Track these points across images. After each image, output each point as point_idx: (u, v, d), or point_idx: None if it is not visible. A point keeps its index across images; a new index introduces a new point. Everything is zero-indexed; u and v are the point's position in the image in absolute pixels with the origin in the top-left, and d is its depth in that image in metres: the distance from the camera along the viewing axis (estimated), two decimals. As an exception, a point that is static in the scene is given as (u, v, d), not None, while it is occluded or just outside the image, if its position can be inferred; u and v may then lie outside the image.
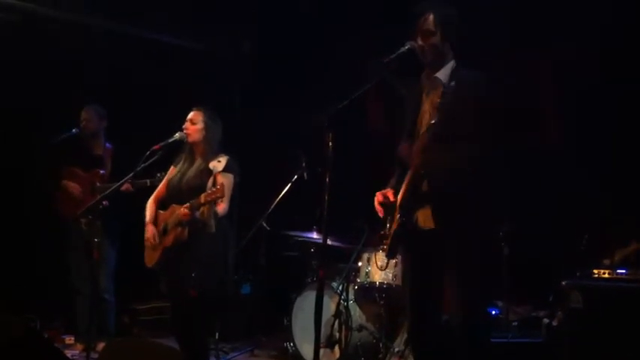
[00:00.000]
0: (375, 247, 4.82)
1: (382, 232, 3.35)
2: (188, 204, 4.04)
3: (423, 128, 3.26)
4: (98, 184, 5.37)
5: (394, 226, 3.30)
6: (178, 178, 4.31)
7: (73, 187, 5.48)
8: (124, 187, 4.86)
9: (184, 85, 6.20)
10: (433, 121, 3.16)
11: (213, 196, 3.95)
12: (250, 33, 6.76)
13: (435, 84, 3.29)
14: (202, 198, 3.97)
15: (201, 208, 4.03)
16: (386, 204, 3.37)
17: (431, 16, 3.24)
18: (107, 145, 5.61)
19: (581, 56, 5.07)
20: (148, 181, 4.98)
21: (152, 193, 4.54)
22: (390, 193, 3.37)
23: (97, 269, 4.97)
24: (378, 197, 3.40)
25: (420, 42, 3.26)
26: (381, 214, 3.41)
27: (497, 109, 3.29)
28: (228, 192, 4.14)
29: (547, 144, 5.38)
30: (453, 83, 3.18)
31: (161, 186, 4.49)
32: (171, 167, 4.45)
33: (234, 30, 6.70)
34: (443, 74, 3.28)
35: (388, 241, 3.37)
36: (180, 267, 4.13)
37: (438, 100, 3.19)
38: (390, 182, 3.49)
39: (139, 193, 5.03)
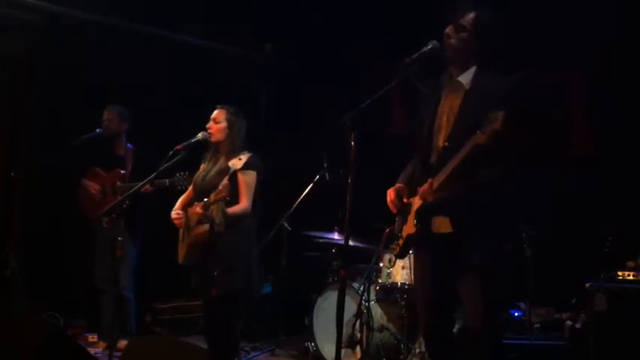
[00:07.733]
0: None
1: (391, 229, 3.35)
2: (202, 202, 4.07)
3: (440, 135, 3.23)
4: (119, 183, 5.42)
5: (408, 230, 3.30)
6: (202, 176, 4.32)
7: (92, 186, 5.53)
8: (143, 189, 4.87)
9: (208, 86, 6.23)
10: (447, 144, 3.14)
11: (217, 196, 3.95)
12: (273, 34, 6.77)
13: (456, 87, 3.26)
14: (212, 197, 3.98)
15: (210, 207, 4.06)
16: (399, 203, 3.36)
17: (471, 15, 3.18)
18: (128, 145, 5.65)
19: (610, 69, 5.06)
20: (167, 180, 4.97)
21: (171, 193, 4.56)
22: (404, 191, 3.36)
23: (118, 267, 5.00)
24: (391, 195, 3.36)
25: (448, 30, 3.19)
26: (393, 211, 3.39)
27: (522, 118, 3.16)
28: (249, 189, 4.14)
29: (576, 156, 5.36)
30: (474, 87, 3.16)
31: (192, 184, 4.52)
32: (201, 165, 4.46)
33: (258, 31, 6.72)
34: (465, 78, 3.24)
35: (400, 243, 3.37)
36: (203, 265, 4.14)
37: (458, 104, 3.18)
38: (402, 175, 3.45)
39: (160, 192, 5.07)
